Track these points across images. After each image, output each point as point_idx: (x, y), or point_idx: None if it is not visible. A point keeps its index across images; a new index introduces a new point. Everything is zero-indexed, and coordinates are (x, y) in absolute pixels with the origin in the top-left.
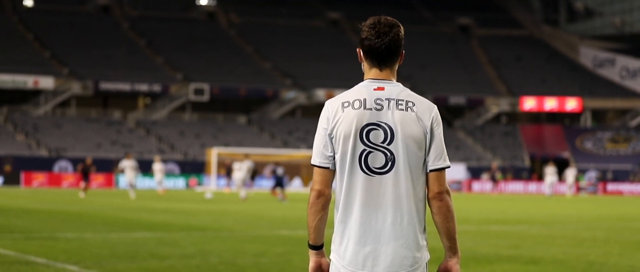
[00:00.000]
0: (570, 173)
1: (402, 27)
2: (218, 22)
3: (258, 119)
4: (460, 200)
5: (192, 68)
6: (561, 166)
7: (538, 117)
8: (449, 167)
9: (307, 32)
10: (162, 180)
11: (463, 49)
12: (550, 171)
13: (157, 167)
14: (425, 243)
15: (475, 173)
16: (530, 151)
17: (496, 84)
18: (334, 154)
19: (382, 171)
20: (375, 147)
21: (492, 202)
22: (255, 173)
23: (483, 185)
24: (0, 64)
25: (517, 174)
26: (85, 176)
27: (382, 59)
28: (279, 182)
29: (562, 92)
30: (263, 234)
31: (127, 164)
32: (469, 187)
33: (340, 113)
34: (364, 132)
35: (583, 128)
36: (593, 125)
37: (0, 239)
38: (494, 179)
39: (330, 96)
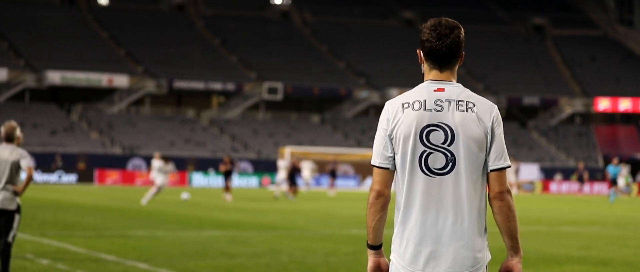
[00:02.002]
0: None
1: (462, 29)
2: (292, 21)
3: (331, 118)
4: (534, 201)
5: (266, 67)
6: (634, 167)
7: (612, 118)
8: (509, 166)
9: (381, 32)
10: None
11: (537, 49)
12: (622, 173)
13: (156, 164)
14: (486, 243)
15: (548, 174)
16: (604, 151)
17: (570, 84)
18: (394, 154)
19: (443, 171)
20: (435, 148)
21: (563, 203)
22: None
23: (559, 186)
24: (75, 62)
25: (591, 175)
26: (226, 177)
27: (443, 60)
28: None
29: (636, 93)
30: (333, 233)
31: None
32: (547, 188)
33: (400, 114)
34: (424, 133)
35: None
36: None
37: (72, 236)
38: (581, 180)
39: None
